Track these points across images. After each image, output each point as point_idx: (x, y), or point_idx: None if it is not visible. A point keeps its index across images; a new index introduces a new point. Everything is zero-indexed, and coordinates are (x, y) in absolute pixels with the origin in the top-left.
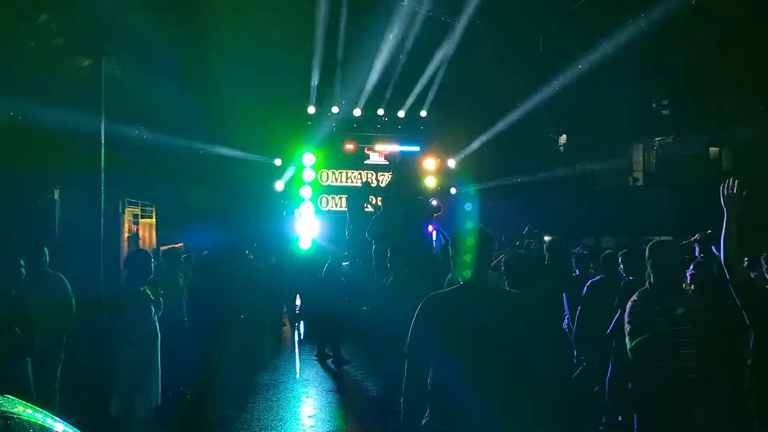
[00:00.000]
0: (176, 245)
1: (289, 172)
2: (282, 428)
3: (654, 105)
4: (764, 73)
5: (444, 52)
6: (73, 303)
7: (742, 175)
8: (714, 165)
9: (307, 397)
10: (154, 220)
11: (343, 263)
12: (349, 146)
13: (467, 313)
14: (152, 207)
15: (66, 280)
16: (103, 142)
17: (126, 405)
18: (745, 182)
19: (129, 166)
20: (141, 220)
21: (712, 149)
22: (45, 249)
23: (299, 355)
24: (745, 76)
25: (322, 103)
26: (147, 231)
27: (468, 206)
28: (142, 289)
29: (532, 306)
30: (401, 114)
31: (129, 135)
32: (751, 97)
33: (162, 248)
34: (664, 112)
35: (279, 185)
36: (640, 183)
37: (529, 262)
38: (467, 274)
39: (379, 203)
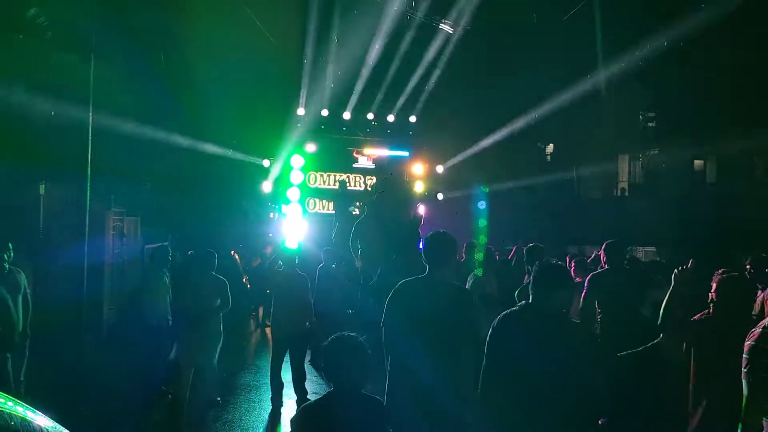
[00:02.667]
0: (163, 243)
1: (277, 174)
2: (264, 430)
3: (641, 117)
4: (749, 87)
5: (435, 58)
6: (29, 298)
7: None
8: (698, 177)
9: (290, 398)
10: (139, 217)
11: (332, 265)
12: (338, 149)
13: (420, 299)
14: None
15: (24, 276)
16: (90, 137)
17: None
18: (728, 195)
19: (116, 162)
20: (127, 218)
21: (696, 162)
22: (9, 244)
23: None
24: (730, 91)
25: (312, 106)
26: (133, 228)
27: (481, 204)
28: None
29: (469, 298)
30: (390, 118)
31: (117, 132)
32: (736, 111)
33: (147, 246)
34: (650, 124)
35: (266, 186)
36: (626, 194)
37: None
38: (427, 270)
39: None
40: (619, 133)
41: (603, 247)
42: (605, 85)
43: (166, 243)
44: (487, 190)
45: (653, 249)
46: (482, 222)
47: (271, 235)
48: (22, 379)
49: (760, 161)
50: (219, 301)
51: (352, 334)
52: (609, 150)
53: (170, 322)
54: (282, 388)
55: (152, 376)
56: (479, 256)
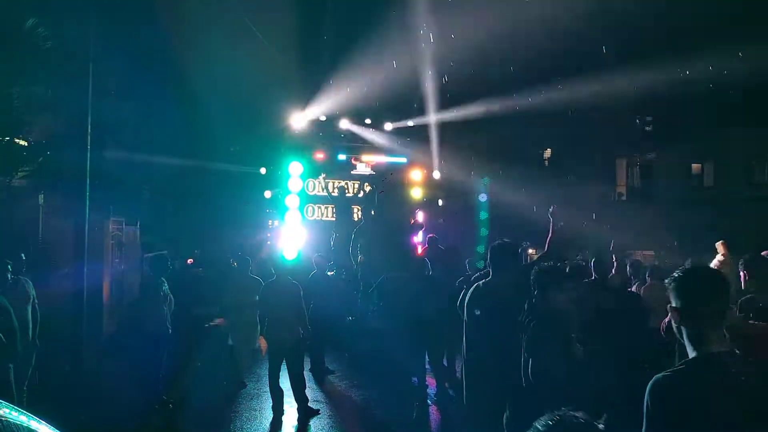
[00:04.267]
0: (162, 252)
1: (276, 182)
2: None
3: (638, 121)
4: (746, 92)
5: (432, 64)
6: (37, 308)
7: (723, 191)
8: (696, 181)
9: (291, 407)
10: (138, 226)
11: (329, 272)
12: (336, 156)
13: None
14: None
15: (32, 285)
16: (89, 147)
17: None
18: (725, 197)
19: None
20: (126, 227)
21: (694, 165)
22: (22, 255)
23: (283, 364)
24: (729, 95)
25: (311, 113)
26: (132, 238)
27: (482, 196)
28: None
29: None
30: (388, 126)
31: (115, 142)
32: (733, 115)
33: (146, 255)
34: (647, 128)
35: (265, 194)
36: (623, 197)
37: None
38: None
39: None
40: (617, 138)
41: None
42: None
43: (165, 252)
44: (488, 181)
45: (651, 253)
46: (483, 214)
47: (269, 243)
48: (25, 388)
49: (758, 165)
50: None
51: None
52: (607, 154)
53: (170, 330)
54: (282, 396)
55: (152, 384)
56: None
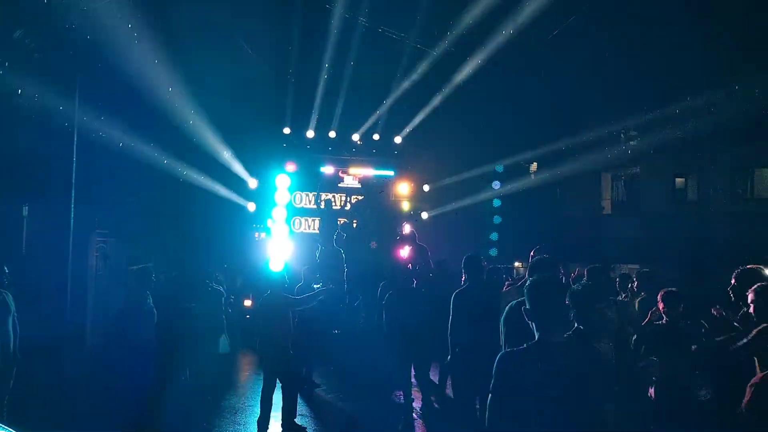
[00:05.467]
0: (146, 265)
1: (263, 194)
2: None
3: (622, 135)
4: (728, 104)
5: (420, 79)
6: (17, 321)
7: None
8: (680, 195)
9: (276, 421)
10: (123, 239)
11: (314, 285)
12: (323, 169)
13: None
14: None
15: (12, 298)
16: (75, 159)
17: None
18: (709, 213)
19: (99, 184)
20: (110, 239)
21: (678, 180)
22: (5, 268)
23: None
24: (711, 108)
25: (298, 126)
26: (116, 250)
27: (496, 184)
28: None
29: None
30: (375, 137)
31: (101, 153)
32: (716, 128)
33: (131, 268)
34: (632, 142)
35: (251, 206)
36: (608, 211)
37: None
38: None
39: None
40: (601, 151)
41: (462, 262)
42: (588, 104)
43: (150, 264)
44: (501, 169)
45: (636, 266)
46: (497, 219)
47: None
48: (5, 402)
49: (740, 179)
50: None
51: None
52: (592, 168)
53: (154, 343)
54: (270, 411)
55: (137, 398)
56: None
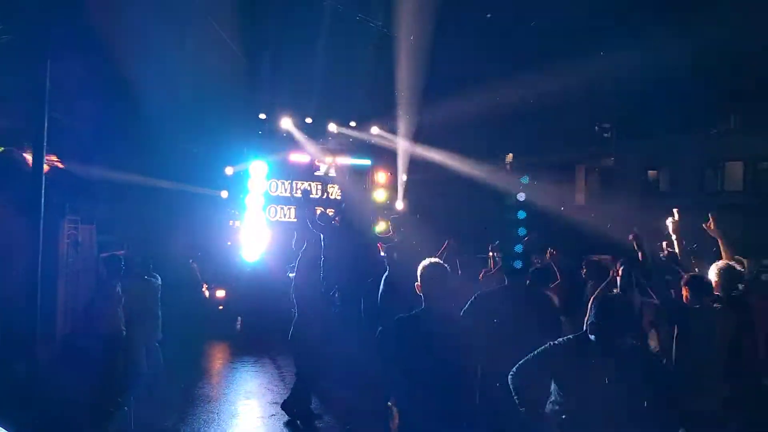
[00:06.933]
0: (118, 252)
1: (238, 182)
2: None
3: (596, 128)
4: (699, 98)
5: (396, 68)
6: None
7: (677, 197)
8: (652, 186)
9: (250, 409)
10: (94, 224)
11: (289, 274)
12: (299, 157)
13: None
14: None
15: None
16: (45, 144)
17: None
18: (680, 203)
19: (70, 170)
20: (81, 226)
21: (650, 172)
22: None
23: (242, 366)
24: (683, 103)
25: (273, 114)
26: (87, 237)
27: (521, 196)
28: None
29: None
30: (352, 124)
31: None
32: (688, 122)
33: (102, 255)
34: (605, 135)
35: (224, 194)
36: (582, 203)
37: None
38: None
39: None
40: (576, 144)
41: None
42: (564, 97)
43: (121, 252)
44: (526, 180)
45: (609, 257)
46: (521, 231)
47: (229, 243)
48: None
49: (710, 172)
50: None
51: None
52: (566, 160)
53: (124, 332)
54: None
55: (107, 387)
56: None
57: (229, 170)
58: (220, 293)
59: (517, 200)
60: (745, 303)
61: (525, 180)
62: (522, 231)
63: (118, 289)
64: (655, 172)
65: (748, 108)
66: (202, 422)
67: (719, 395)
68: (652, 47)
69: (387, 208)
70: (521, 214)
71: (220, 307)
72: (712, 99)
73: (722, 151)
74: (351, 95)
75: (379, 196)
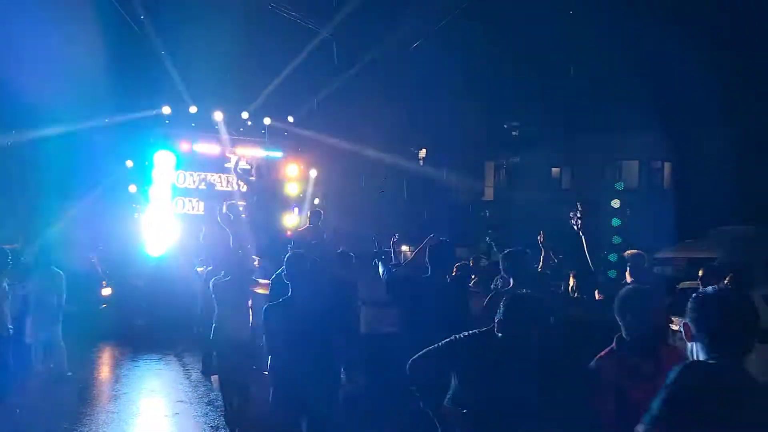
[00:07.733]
0: (11, 245)
1: (142, 173)
2: None
3: (505, 127)
4: (604, 98)
5: (313, 61)
6: None
7: (579, 194)
8: (556, 183)
9: (153, 408)
10: None
11: (198, 269)
12: (209, 148)
13: None
14: None
15: None
16: None
17: None
18: (581, 201)
19: None
20: None
21: (554, 169)
22: None
23: (144, 364)
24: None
25: (182, 104)
26: None
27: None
28: None
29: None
30: (267, 120)
31: None
32: (591, 121)
33: None
34: (513, 133)
35: (131, 187)
36: (490, 198)
37: None
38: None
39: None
40: (486, 141)
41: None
42: (474, 95)
43: (8, 246)
44: (621, 187)
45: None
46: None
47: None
48: None
49: (609, 169)
50: None
51: None
52: (477, 156)
53: (11, 330)
54: None
55: None
56: None
57: (129, 163)
58: (106, 291)
59: (612, 207)
60: None
61: (620, 186)
62: (617, 239)
63: (4, 284)
64: (558, 169)
65: (642, 111)
66: (101, 422)
67: None
68: (560, 55)
69: (301, 201)
70: (615, 222)
71: (104, 305)
72: (610, 103)
73: (620, 150)
74: (260, 86)
75: (292, 189)
